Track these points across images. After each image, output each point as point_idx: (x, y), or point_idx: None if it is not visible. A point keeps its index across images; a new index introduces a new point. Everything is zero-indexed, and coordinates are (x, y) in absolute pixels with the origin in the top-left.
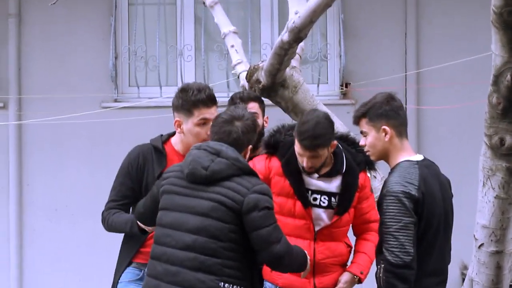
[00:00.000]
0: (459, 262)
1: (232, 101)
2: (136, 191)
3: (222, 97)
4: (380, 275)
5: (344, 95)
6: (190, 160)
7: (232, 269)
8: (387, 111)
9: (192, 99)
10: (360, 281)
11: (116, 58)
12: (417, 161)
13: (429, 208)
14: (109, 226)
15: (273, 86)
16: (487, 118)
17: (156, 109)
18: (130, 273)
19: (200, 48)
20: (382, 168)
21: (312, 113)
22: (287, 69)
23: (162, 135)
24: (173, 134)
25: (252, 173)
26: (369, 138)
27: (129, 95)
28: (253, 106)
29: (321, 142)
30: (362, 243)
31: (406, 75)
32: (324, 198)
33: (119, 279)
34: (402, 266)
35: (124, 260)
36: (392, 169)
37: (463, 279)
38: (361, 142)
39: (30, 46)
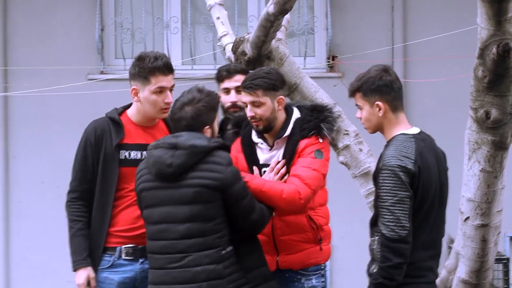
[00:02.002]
0: (445, 236)
1: (219, 73)
2: (95, 166)
3: (209, 70)
4: (374, 247)
5: (331, 68)
6: (153, 162)
7: (226, 236)
8: (380, 87)
9: (149, 66)
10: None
11: (102, 30)
12: (413, 135)
13: (425, 182)
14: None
15: (258, 58)
16: (472, 91)
17: None
18: (102, 260)
19: (187, 20)
20: (371, 142)
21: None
22: (273, 41)
23: (116, 108)
24: (128, 106)
25: (216, 148)
26: (363, 112)
27: (115, 67)
28: (239, 79)
29: (258, 82)
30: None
31: (393, 48)
32: None
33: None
34: (398, 241)
35: (98, 246)
36: (388, 142)
37: (450, 253)
38: (357, 115)
39: (16, 18)
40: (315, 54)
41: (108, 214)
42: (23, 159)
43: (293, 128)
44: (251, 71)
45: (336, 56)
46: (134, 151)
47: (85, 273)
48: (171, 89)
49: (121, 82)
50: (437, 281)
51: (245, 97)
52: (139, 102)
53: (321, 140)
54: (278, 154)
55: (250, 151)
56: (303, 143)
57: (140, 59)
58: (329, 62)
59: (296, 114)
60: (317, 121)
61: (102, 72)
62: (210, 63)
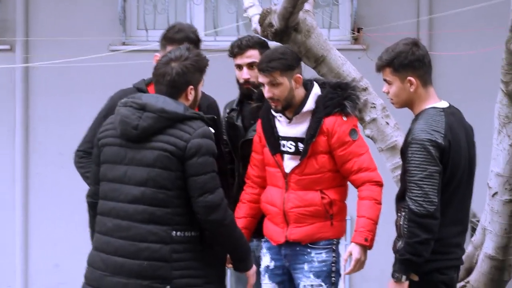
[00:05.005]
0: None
1: (231, 49)
2: None
3: (232, 41)
4: (400, 223)
5: (356, 40)
6: (119, 121)
7: (182, 216)
8: (412, 62)
9: (168, 35)
10: (369, 247)
11: (124, 0)
12: (443, 108)
13: (454, 157)
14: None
15: (286, 30)
16: (504, 64)
17: None
18: None
19: None
20: (398, 115)
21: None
22: (301, 13)
23: (144, 79)
24: None
25: (189, 118)
26: (393, 87)
27: (137, 38)
28: (251, 54)
29: (275, 64)
30: (359, 205)
31: (418, 20)
32: (291, 144)
33: None
34: (426, 216)
35: None
36: (417, 116)
37: (472, 228)
38: (384, 89)
39: None
40: (339, 26)
41: None
42: (43, 130)
43: (316, 106)
44: (265, 53)
45: (361, 28)
46: None
47: None
48: None
49: (143, 53)
50: (463, 256)
51: (262, 78)
52: None
53: (345, 118)
54: (301, 129)
55: (268, 123)
56: (329, 122)
57: (168, 28)
58: (353, 34)
59: (316, 90)
60: (341, 98)
61: (124, 43)
62: (233, 34)
